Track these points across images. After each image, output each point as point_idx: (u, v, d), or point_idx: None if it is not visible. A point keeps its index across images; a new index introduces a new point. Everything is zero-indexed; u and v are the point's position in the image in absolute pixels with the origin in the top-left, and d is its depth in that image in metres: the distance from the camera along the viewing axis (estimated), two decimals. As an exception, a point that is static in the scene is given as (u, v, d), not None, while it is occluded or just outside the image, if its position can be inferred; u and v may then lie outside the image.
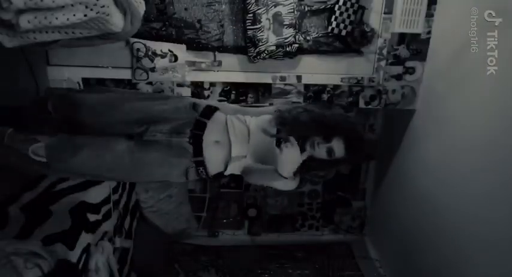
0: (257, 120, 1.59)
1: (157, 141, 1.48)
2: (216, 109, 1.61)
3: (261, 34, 2.25)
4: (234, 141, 1.52)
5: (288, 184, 1.49)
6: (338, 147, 1.46)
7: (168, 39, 2.28)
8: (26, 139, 1.47)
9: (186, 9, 2.26)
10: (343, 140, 1.45)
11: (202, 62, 2.35)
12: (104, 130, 1.51)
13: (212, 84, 2.46)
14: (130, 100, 1.56)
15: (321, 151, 1.47)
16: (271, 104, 2.46)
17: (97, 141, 1.49)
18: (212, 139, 1.52)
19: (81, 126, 1.54)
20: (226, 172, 1.59)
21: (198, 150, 1.49)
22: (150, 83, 2.40)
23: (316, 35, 2.38)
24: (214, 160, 1.53)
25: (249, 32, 2.26)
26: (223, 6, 2.28)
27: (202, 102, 1.65)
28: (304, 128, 1.46)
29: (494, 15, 1.94)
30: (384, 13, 2.38)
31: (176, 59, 2.30)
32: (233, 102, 2.50)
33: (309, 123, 1.47)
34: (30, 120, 1.59)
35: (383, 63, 2.48)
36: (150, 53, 2.26)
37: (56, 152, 1.47)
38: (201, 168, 1.52)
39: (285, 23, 2.26)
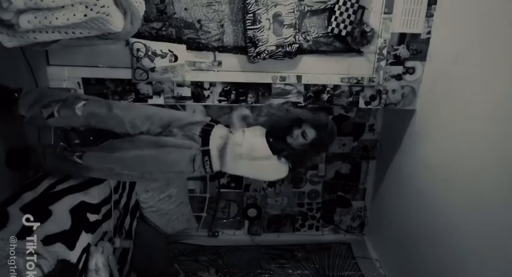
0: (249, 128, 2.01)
1: (174, 134, 1.89)
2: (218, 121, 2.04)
3: (261, 34, 2.25)
4: (233, 136, 1.92)
5: (280, 170, 1.92)
6: (308, 129, 1.86)
7: (168, 39, 2.28)
8: (72, 150, 1.94)
9: (186, 9, 2.26)
10: (310, 123, 1.86)
11: (202, 62, 2.35)
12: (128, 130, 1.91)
13: (212, 84, 2.46)
14: (156, 112, 1.96)
15: (297, 138, 1.86)
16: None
17: (126, 142, 1.89)
18: (217, 135, 1.91)
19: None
20: (227, 160, 1.92)
21: (205, 141, 1.88)
22: (150, 83, 2.41)
23: (316, 35, 2.38)
24: (216, 148, 1.89)
25: (249, 32, 2.26)
26: (223, 6, 2.28)
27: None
28: (281, 121, 1.94)
29: (493, 15, 1.95)
30: (384, 13, 2.38)
31: (176, 59, 2.30)
32: (233, 102, 2.50)
33: (284, 117, 1.95)
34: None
35: (383, 63, 2.48)
36: (150, 53, 2.26)
37: (93, 157, 1.89)
38: (206, 157, 1.88)
39: (285, 23, 2.26)
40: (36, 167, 2.00)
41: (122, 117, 1.89)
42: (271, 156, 1.90)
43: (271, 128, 1.97)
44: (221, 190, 3.58)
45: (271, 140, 1.92)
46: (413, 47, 2.47)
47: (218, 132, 1.93)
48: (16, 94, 1.87)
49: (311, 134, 1.86)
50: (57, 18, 1.38)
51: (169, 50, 2.28)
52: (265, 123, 2.02)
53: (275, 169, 1.93)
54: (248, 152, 1.88)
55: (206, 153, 1.88)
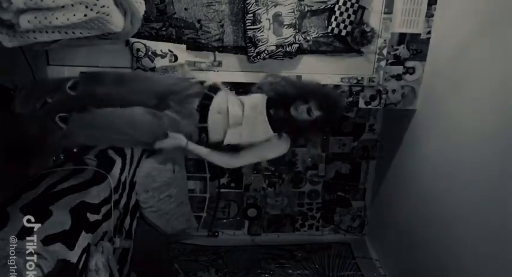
0: (250, 98, 1.88)
1: (171, 108, 1.78)
2: (219, 88, 1.90)
3: (261, 34, 2.25)
4: (232, 112, 1.80)
5: (280, 147, 1.84)
6: (315, 108, 1.74)
7: (168, 39, 2.28)
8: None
9: (186, 9, 2.26)
10: (317, 102, 1.73)
11: (202, 62, 2.35)
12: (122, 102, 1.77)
13: (212, 84, 2.46)
14: (149, 78, 1.89)
15: (302, 112, 1.74)
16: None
17: (117, 108, 1.76)
18: (216, 109, 1.79)
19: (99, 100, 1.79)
20: (225, 142, 1.82)
21: (203, 118, 1.78)
22: (150, 83, 2.40)
23: (316, 35, 2.38)
24: (215, 127, 1.80)
25: (249, 32, 2.26)
26: (223, 6, 2.28)
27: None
28: (287, 91, 1.81)
29: (493, 15, 1.95)
30: (384, 13, 2.38)
31: (176, 59, 2.29)
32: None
33: (290, 88, 1.81)
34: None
35: (383, 63, 2.48)
36: (150, 53, 2.26)
37: (80, 120, 1.74)
38: (203, 134, 1.80)
39: (285, 23, 2.26)
40: (37, 164, 1.99)
41: (116, 93, 1.79)
42: (272, 136, 1.81)
43: (275, 96, 1.84)
44: (221, 190, 3.59)
45: (272, 113, 1.80)
46: (413, 47, 2.47)
47: (217, 107, 1.80)
48: (12, 92, 1.84)
49: (317, 112, 1.74)
50: (57, 18, 1.38)
51: (169, 50, 2.28)
52: (269, 91, 1.89)
53: (274, 148, 1.86)
54: (247, 138, 1.80)
55: (203, 130, 1.79)
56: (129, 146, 2.48)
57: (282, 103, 1.80)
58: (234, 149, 1.85)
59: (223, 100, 1.82)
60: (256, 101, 1.84)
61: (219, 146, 1.83)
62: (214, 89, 1.86)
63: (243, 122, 1.78)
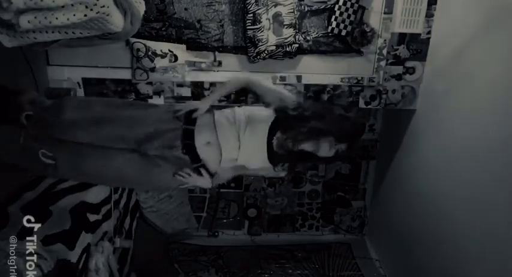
0: (249, 121, 1.56)
1: (156, 155, 1.51)
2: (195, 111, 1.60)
3: (261, 34, 2.25)
4: (224, 145, 1.54)
5: (277, 173, 1.63)
6: (341, 149, 1.52)
7: (168, 39, 2.28)
8: (38, 141, 1.49)
9: (186, 9, 2.26)
10: (345, 142, 1.52)
11: (202, 62, 2.35)
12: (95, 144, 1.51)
13: (212, 84, 2.46)
14: (113, 119, 1.52)
15: (325, 152, 1.51)
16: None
17: (100, 151, 1.50)
18: (203, 142, 1.54)
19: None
20: (221, 165, 1.61)
21: (194, 158, 1.53)
22: (150, 83, 2.40)
23: (316, 35, 2.38)
24: (211, 159, 1.57)
25: (249, 32, 2.26)
26: (223, 6, 2.28)
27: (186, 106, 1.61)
28: (306, 137, 1.49)
29: (493, 14, 1.95)
30: (384, 13, 2.38)
31: (176, 59, 2.29)
32: (233, 102, 2.50)
33: (311, 130, 1.49)
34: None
35: (383, 63, 2.48)
36: (150, 53, 2.26)
37: (63, 159, 1.50)
38: (202, 169, 1.57)
39: (285, 23, 2.26)
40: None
41: (88, 139, 1.49)
42: (267, 166, 1.59)
43: (287, 123, 1.52)
44: (221, 190, 3.59)
45: (275, 144, 1.51)
46: (413, 47, 2.47)
47: (203, 139, 1.53)
48: (13, 96, 1.79)
49: (341, 148, 1.53)
50: (57, 18, 1.38)
51: (169, 50, 2.28)
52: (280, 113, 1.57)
53: (270, 172, 1.66)
54: (242, 165, 1.62)
55: (202, 166, 1.56)
56: None
57: (295, 133, 1.49)
58: None
59: (208, 128, 1.55)
60: (259, 123, 1.54)
61: None
62: (191, 118, 1.56)
63: (238, 158, 1.56)
